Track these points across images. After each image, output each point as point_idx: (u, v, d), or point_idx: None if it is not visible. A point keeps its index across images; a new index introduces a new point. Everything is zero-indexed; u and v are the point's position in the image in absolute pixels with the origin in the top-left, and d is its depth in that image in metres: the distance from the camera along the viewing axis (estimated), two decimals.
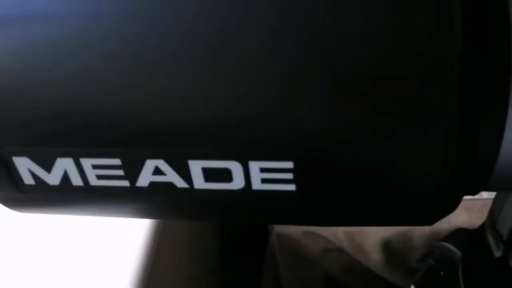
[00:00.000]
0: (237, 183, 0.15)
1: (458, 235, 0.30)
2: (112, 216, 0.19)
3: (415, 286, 0.32)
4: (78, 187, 0.16)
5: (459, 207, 0.16)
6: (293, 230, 0.54)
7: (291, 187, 0.15)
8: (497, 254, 0.26)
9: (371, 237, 0.54)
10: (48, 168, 0.16)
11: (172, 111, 0.14)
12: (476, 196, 0.53)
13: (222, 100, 0.14)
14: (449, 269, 0.29)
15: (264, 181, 0.15)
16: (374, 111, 0.14)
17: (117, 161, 0.15)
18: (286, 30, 0.13)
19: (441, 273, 0.29)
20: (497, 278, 0.26)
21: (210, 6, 0.14)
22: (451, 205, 0.16)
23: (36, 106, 0.15)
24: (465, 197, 0.16)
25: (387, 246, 0.54)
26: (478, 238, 0.28)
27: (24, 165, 0.16)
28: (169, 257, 0.41)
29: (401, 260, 0.55)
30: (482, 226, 0.28)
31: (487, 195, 0.59)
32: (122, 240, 0.37)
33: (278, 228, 0.54)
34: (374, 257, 0.55)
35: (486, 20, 0.13)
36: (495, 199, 0.27)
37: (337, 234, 0.55)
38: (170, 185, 0.16)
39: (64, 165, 0.16)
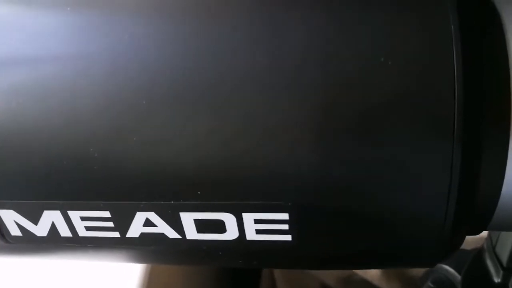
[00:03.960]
0: (231, 234, 0.15)
1: (458, 257, 0.29)
2: (102, 262, 0.18)
3: None
4: (66, 238, 0.16)
5: None
6: None
7: (287, 237, 0.15)
8: (497, 279, 0.25)
9: None
10: (35, 220, 0.15)
11: (163, 164, 0.14)
12: None
13: (213, 153, 0.14)
14: None
15: (258, 232, 0.15)
16: (368, 159, 0.13)
17: (106, 213, 0.15)
18: (279, 83, 0.13)
19: None
20: None
21: (203, 51, 0.14)
22: (453, 248, 0.16)
23: (21, 159, 0.15)
24: None
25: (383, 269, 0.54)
26: (477, 262, 0.27)
27: (10, 218, 0.16)
28: (163, 269, 0.41)
29: (399, 271, 0.54)
30: (481, 249, 0.28)
31: None
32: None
33: None
34: None
35: (484, 72, 0.13)
36: None
37: None
38: (162, 235, 0.15)
39: (51, 217, 0.15)
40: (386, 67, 0.13)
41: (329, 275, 0.56)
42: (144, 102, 0.14)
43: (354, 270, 0.55)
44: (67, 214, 0.15)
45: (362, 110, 0.13)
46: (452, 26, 0.13)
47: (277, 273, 0.55)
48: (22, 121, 0.14)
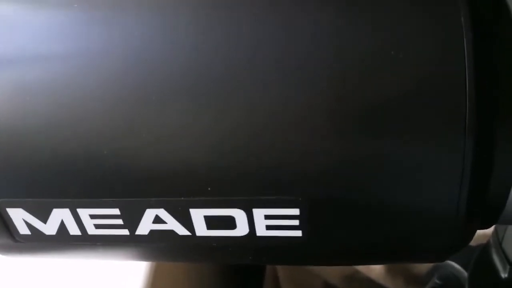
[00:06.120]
0: (241, 230, 0.15)
1: (464, 253, 0.29)
2: (111, 260, 0.18)
3: None
4: (75, 236, 0.16)
5: None
6: None
7: (297, 233, 0.15)
8: (504, 275, 0.25)
9: None
10: (44, 218, 0.15)
11: (172, 160, 0.14)
12: None
13: (223, 149, 0.14)
14: None
15: (269, 227, 0.15)
16: (379, 153, 0.13)
17: (115, 211, 0.15)
18: (288, 78, 0.13)
19: None
20: None
21: (213, 45, 0.14)
22: (464, 241, 0.16)
23: (29, 156, 0.14)
24: None
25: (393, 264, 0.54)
26: (484, 258, 0.27)
27: (19, 216, 0.16)
28: (167, 269, 0.41)
29: (402, 268, 0.54)
30: (487, 245, 0.27)
31: None
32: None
33: None
34: (374, 266, 0.55)
35: (495, 64, 0.13)
36: None
37: None
38: (171, 232, 0.15)
39: (60, 215, 0.15)
40: (397, 60, 0.13)
41: (333, 274, 0.56)
42: (153, 98, 0.14)
43: (358, 269, 0.55)
44: (76, 212, 0.15)
45: (373, 103, 0.13)
46: (462, 18, 0.13)
47: (281, 272, 0.55)
48: (31, 119, 0.14)
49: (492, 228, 0.27)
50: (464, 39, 0.13)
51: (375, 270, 0.55)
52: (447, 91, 0.13)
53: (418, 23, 0.13)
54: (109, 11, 0.14)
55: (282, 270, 0.55)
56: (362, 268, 0.55)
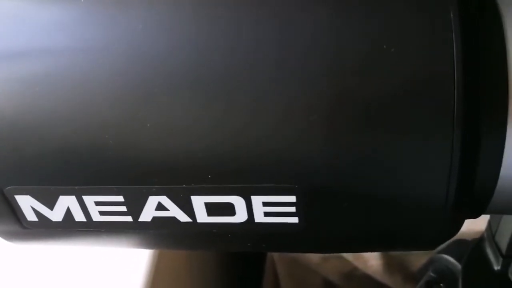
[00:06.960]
0: (240, 216, 0.15)
1: (458, 246, 0.30)
2: (114, 247, 0.19)
3: None
4: (80, 223, 0.16)
5: None
6: None
7: (294, 219, 0.15)
8: (497, 267, 0.26)
9: None
10: (50, 205, 0.16)
11: (175, 149, 0.15)
12: None
13: (224, 139, 0.14)
14: (449, 282, 0.29)
15: (266, 214, 0.15)
16: (373, 143, 0.14)
17: (119, 198, 0.16)
18: (287, 69, 0.14)
19: (441, 285, 0.30)
20: None
21: (215, 40, 0.14)
22: (453, 230, 0.16)
23: (38, 145, 0.15)
24: None
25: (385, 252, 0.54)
26: (477, 251, 0.28)
27: (26, 203, 0.16)
28: (169, 267, 0.41)
29: (400, 265, 0.55)
30: (481, 238, 0.28)
31: None
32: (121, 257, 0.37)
33: None
34: (373, 263, 0.55)
35: (483, 59, 0.14)
36: None
37: None
38: (173, 219, 0.16)
39: (66, 202, 0.16)
40: (389, 54, 0.13)
41: (332, 271, 0.56)
42: (157, 90, 0.14)
43: (356, 266, 0.56)
44: (81, 199, 0.16)
45: (365, 100, 0.14)
46: (451, 14, 0.13)
47: (280, 268, 0.56)
48: (38, 109, 0.15)
49: (485, 224, 0.28)
50: (453, 36, 0.13)
51: (373, 267, 0.55)
52: (437, 86, 0.13)
53: (409, 18, 0.14)
54: (114, 6, 0.15)
55: (281, 267, 0.56)
56: (360, 265, 0.56)
